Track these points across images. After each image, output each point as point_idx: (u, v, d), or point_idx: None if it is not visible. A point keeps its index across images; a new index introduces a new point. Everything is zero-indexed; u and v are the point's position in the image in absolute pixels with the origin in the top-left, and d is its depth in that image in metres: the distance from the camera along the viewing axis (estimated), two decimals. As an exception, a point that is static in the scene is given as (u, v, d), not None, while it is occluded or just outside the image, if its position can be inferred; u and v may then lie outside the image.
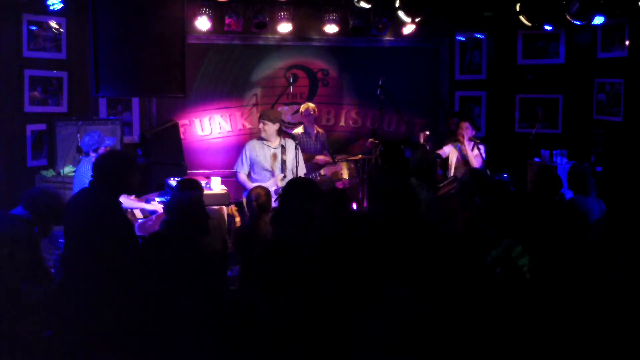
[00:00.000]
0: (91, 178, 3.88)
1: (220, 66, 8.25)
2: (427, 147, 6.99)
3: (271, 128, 6.21)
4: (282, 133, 6.48)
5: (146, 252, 3.84)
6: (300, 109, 7.23)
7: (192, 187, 4.51)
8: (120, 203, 3.98)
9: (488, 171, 6.67)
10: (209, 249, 4.29)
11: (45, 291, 4.08)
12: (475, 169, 5.93)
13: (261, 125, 6.25)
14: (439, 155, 6.91)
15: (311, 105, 7.23)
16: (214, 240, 4.56)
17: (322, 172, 6.42)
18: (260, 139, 6.31)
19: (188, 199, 3.90)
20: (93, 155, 5.47)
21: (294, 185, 4.00)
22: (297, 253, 3.41)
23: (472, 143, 6.92)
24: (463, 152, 6.97)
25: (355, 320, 2.95)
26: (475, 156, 6.85)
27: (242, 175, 6.32)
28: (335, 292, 3.20)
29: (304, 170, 6.39)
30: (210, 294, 3.61)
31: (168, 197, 5.98)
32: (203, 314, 3.53)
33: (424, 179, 5.09)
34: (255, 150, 6.28)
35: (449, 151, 7.13)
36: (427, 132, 7.36)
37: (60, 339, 3.92)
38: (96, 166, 3.88)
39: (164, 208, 4.24)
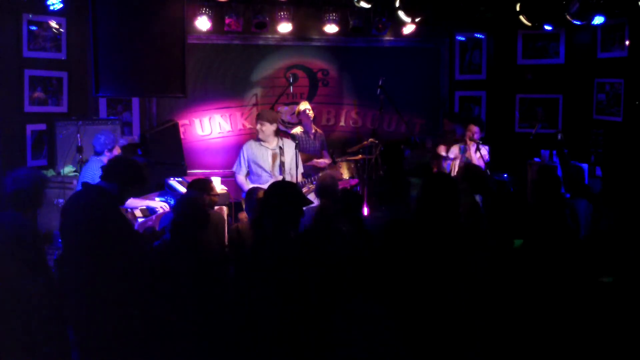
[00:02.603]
0: (102, 180, 3.85)
1: (220, 66, 8.25)
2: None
3: (269, 129, 6.17)
4: (281, 133, 6.46)
5: (147, 252, 3.85)
6: (299, 108, 7.23)
7: (194, 188, 4.55)
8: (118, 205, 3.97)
9: (488, 172, 6.66)
10: (208, 249, 4.30)
11: (45, 289, 4.07)
12: (469, 166, 5.87)
13: (259, 126, 6.21)
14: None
15: (308, 104, 7.22)
16: (213, 241, 4.57)
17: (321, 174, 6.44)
18: (258, 139, 6.28)
19: (185, 199, 3.92)
20: (108, 154, 5.50)
21: (276, 189, 3.97)
22: (280, 255, 3.42)
23: (474, 145, 6.87)
24: (467, 155, 6.93)
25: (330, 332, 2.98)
26: (478, 158, 6.81)
27: (241, 177, 6.28)
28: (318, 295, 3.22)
29: (302, 171, 6.37)
30: (209, 294, 3.61)
31: (168, 197, 6.01)
32: (201, 314, 3.54)
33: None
34: (253, 151, 6.24)
35: (454, 155, 7.08)
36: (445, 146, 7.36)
37: (60, 339, 3.92)
38: (122, 170, 3.86)
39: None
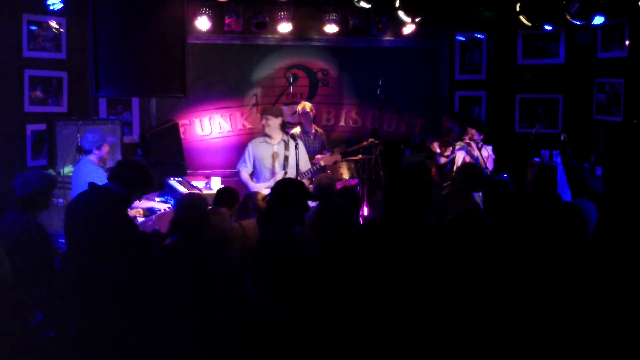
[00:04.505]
0: (110, 182, 3.84)
1: (220, 66, 8.25)
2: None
3: (274, 122, 6.23)
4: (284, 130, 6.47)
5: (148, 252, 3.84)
6: (298, 108, 7.23)
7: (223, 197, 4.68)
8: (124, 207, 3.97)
9: (488, 171, 6.66)
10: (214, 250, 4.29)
11: (47, 291, 4.07)
12: (467, 164, 5.83)
13: (264, 121, 6.27)
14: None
15: (308, 104, 7.22)
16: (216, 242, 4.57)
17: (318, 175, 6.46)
18: (263, 136, 6.31)
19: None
20: (97, 152, 5.47)
21: (282, 186, 3.99)
22: (287, 253, 3.43)
23: (474, 144, 6.80)
24: (474, 154, 6.80)
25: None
26: (486, 157, 6.76)
27: (245, 174, 6.31)
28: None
29: (308, 167, 6.38)
30: (210, 295, 3.61)
31: (168, 197, 6.01)
32: (203, 314, 3.54)
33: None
34: (258, 148, 6.28)
35: (459, 155, 7.01)
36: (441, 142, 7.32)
37: (61, 339, 3.92)
38: (128, 173, 3.86)
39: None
